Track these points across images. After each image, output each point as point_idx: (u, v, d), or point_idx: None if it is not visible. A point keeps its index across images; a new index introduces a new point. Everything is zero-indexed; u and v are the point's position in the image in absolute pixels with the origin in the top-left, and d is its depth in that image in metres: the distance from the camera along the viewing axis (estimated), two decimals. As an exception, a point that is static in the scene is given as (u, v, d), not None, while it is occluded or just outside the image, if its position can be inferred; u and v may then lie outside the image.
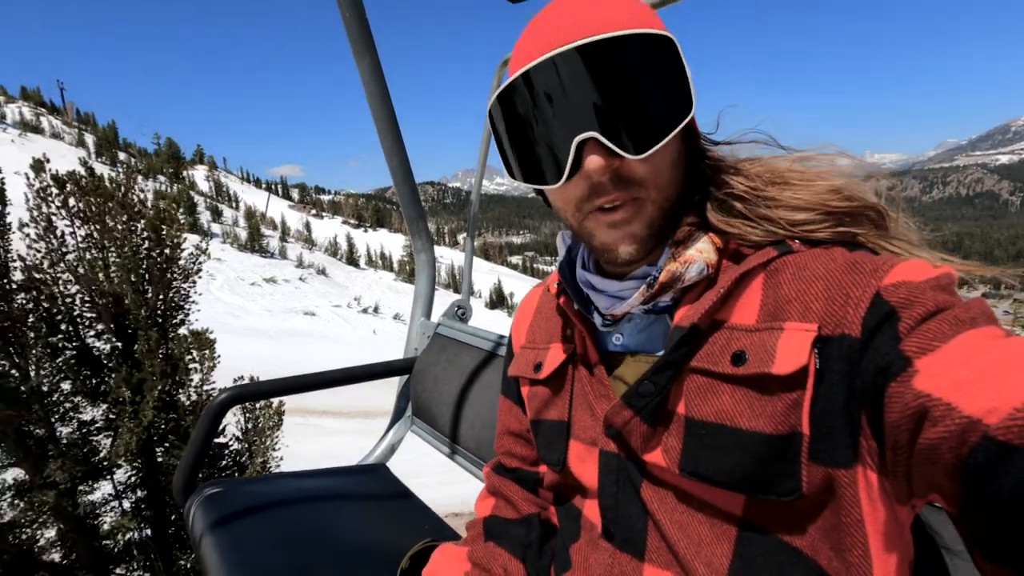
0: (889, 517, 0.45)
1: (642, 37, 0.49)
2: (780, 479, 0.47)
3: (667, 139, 0.50)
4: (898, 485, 0.43)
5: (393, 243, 76.19)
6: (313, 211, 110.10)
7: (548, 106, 0.51)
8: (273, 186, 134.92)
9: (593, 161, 0.50)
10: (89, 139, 76.92)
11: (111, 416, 2.62)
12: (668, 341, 0.54)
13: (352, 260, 73.39)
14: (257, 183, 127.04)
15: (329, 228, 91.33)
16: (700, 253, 0.54)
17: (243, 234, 64.95)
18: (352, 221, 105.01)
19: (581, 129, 0.50)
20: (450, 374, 1.48)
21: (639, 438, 0.56)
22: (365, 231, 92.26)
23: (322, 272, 61.86)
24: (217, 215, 70.06)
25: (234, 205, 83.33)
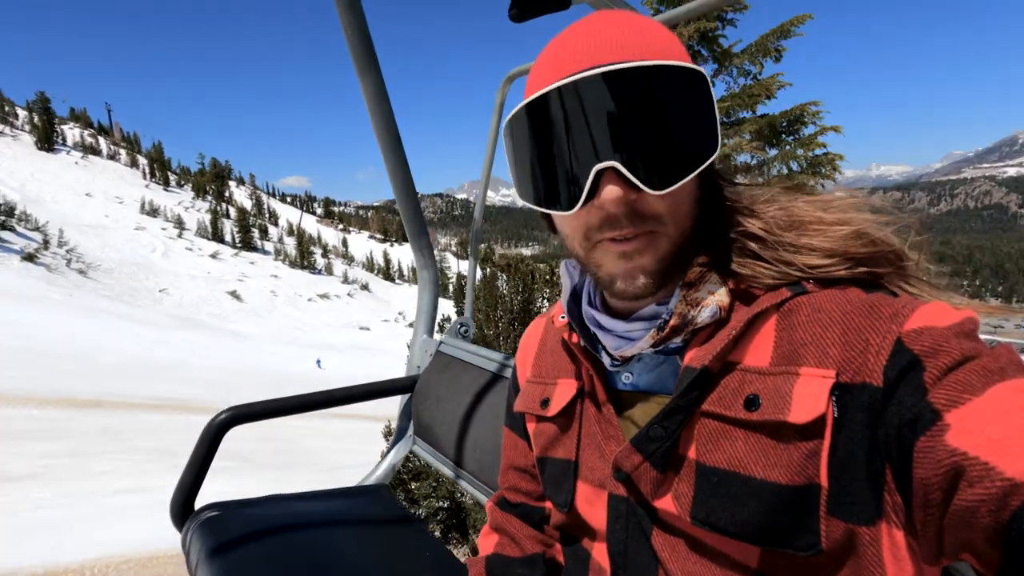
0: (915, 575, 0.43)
1: (677, 70, 0.47)
2: (797, 532, 0.45)
3: (689, 177, 0.49)
4: (927, 545, 0.40)
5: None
6: (340, 225, 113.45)
7: (570, 128, 0.49)
8: (298, 200, 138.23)
9: (610, 192, 0.48)
10: (141, 160, 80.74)
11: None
12: (679, 383, 0.52)
13: (388, 275, 76.49)
14: (283, 198, 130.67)
15: (356, 242, 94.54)
16: (712, 296, 0.53)
17: (292, 251, 68.19)
18: (378, 236, 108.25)
19: (602, 157, 0.48)
20: (453, 393, 1.45)
21: (649, 483, 0.54)
22: (391, 245, 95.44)
23: (365, 287, 65.00)
24: (264, 233, 73.46)
25: (275, 222, 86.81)
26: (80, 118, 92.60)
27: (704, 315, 0.52)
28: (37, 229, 41.05)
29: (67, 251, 38.98)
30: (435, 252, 1.73)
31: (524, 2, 0.89)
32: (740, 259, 0.54)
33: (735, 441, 0.49)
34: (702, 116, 0.49)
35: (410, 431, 1.64)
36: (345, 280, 66.63)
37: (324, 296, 57.55)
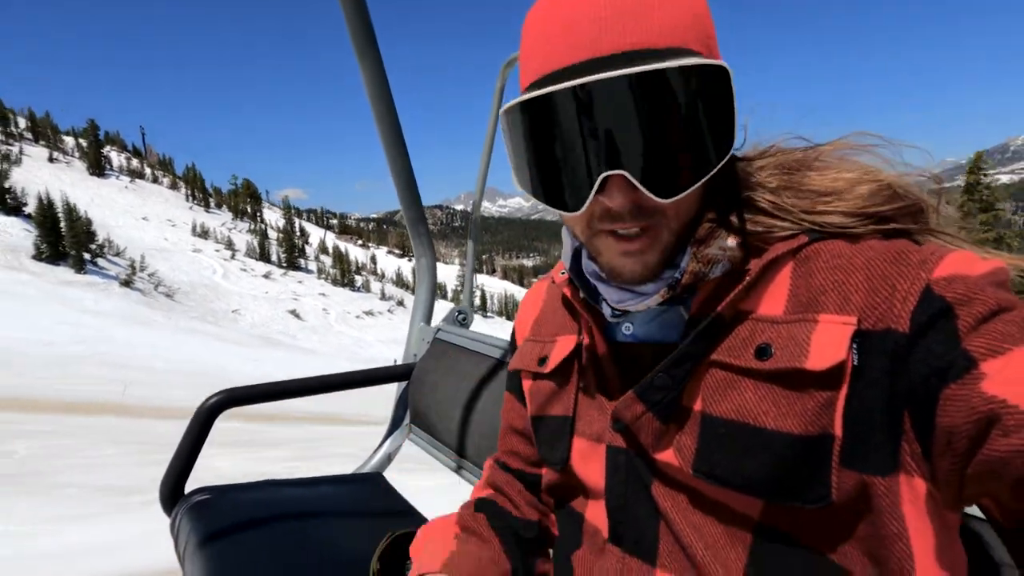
0: (939, 527, 0.42)
1: (694, 69, 0.43)
2: (807, 484, 0.44)
3: (701, 183, 0.45)
4: (947, 492, 0.40)
5: (446, 273, 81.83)
6: (359, 241, 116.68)
7: (573, 132, 0.45)
8: (313, 215, 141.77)
9: (614, 198, 0.46)
10: (179, 183, 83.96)
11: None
12: (686, 331, 0.51)
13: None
14: (299, 214, 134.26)
15: (377, 257, 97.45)
16: (723, 251, 0.50)
17: (331, 269, 71.27)
18: (396, 251, 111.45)
19: (607, 164, 0.44)
20: (449, 380, 1.43)
21: (650, 434, 0.53)
22: (410, 260, 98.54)
23: (400, 303, 68.15)
24: (302, 251, 76.66)
25: (306, 240, 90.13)
26: (115, 141, 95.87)
27: (716, 272, 0.50)
28: (118, 255, 44.34)
29: (149, 275, 42.16)
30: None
31: None
32: (752, 215, 0.51)
33: (744, 391, 0.47)
34: (720, 117, 0.45)
35: (406, 419, 1.64)
36: (383, 297, 69.95)
37: (369, 313, 60.93)
